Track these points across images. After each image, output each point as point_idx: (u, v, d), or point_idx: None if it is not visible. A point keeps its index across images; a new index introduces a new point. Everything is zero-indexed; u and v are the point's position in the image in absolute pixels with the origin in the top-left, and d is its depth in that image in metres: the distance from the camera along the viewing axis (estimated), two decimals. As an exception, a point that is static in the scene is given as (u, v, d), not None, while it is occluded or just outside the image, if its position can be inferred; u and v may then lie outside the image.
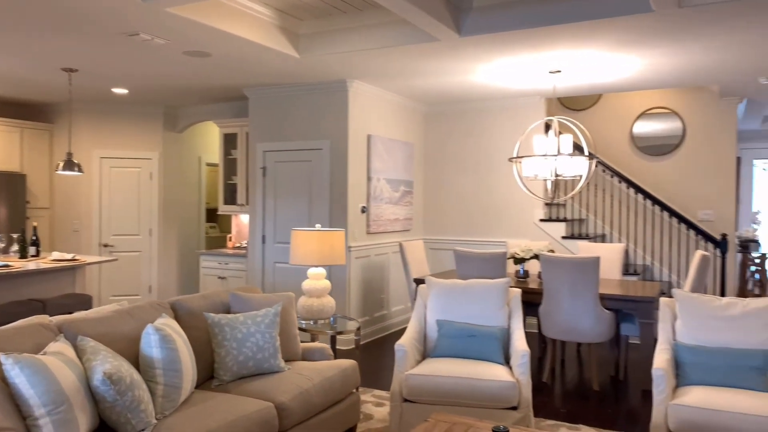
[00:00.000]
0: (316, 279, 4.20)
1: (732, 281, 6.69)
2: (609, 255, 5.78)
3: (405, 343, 3.57)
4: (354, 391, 3.52)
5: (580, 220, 7.15)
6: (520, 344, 3.55)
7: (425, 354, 3.86)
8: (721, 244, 6.05)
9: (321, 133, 6.05)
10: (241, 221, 7.51)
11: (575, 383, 4.86)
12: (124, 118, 7.46)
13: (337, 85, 5.91)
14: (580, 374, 5.12)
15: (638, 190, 6.64)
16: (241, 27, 4.29)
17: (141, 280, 7.53)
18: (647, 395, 4.55)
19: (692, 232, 6.68)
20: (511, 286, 4.70)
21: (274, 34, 4.63)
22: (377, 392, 4.51)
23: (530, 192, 5.64)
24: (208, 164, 8.36)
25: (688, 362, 3.25)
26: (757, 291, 8.12)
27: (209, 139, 8.33)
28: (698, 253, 4.84)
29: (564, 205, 7.21)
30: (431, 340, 3.89)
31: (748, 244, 7.85)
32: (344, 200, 5.91)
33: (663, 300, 3.60)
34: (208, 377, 3.19)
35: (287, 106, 6.25)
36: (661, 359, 3.21)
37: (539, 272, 5.57)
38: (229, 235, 7.56)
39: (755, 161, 9.87)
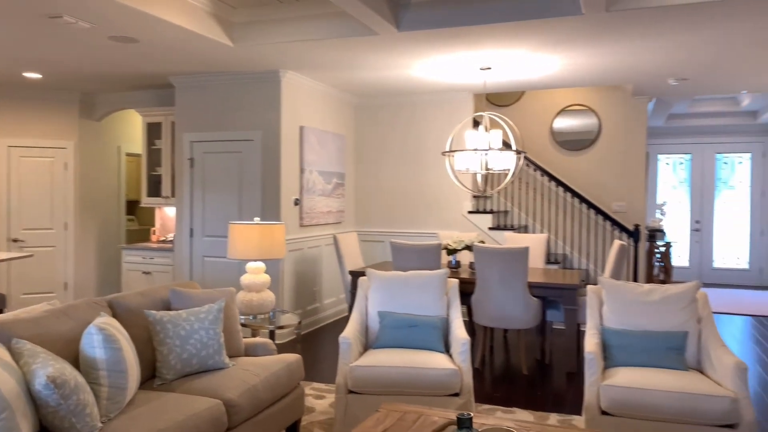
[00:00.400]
0: (256, 273, 4.15)
1: (642, 268, 7.19)
2: (533, 245, 6.05)
3: (349, 335, 3.60)
4: (298, 384, 3.52)
5: (505, 212, 7.44)
6: (460, 333, 3.67)
7: (367, 345, 3.91)
8: (634, 234, 6.48)
9: (252, 123, 5.94)
10: (166, 214, 7.25)
11: (505, 368, 5.08)
12: (36, 104, 6.98)
13: (269, 75, 5.81)
14: (508, 360, 5.35)
15: (558, 183, 6.98)
16: (173, 13, 4.14)
17: (55, 277, 7.11)
18: (571, 377, 4.83)
19: (608, 223, 7.11)
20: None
21: (207, 21, 4.49)
22: (316, 385, 4.53)
23: (462, 185, 5.80)
24: (129, 154, 7.99)
25: (615, 345, 3.49)
26: (662, 276, 8.77)
27: (130, 128, 7.95)
28: (616, 243, 5.17)
29: (490, 198, 7.47)
30: (373, 332, 3.94)
31: (654, 234, 8.45)
32: (277, 192, 5.84)
33: (590, 288, 3.83)
34: (149, 377, 3.09)
35: (217, 95, 6.08)
36: (591, 343, 3.43)
37: (471, 262, 5.76)
38: (152, 229, 7.28)
39: (659, 156, 10.61)
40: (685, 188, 10.49)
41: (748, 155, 10.13)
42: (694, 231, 10.37)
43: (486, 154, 5.47)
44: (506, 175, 7.09)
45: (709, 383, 3.08)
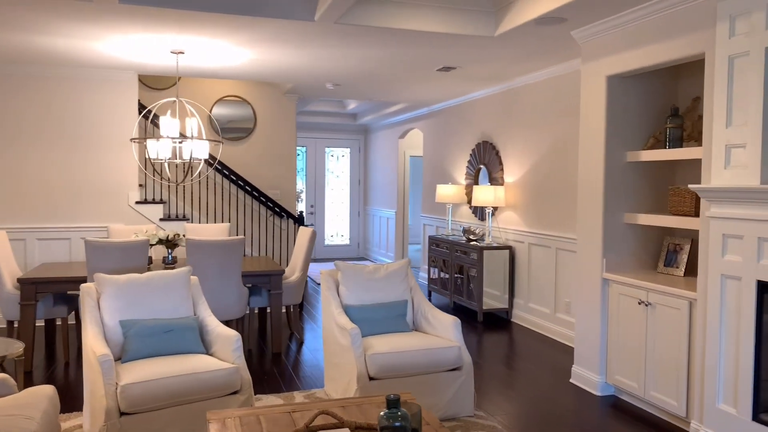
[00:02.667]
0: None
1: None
2: (217, 234, 6.08)
3: (107, 352, 3.12)
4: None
5: (162, 202, 7.14)
6: (223, 330, 3.60)
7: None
8: (300, 220, 7.16)
9: None
10: None
11: (215, 360, 5.05)
12: None
13: None
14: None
15: (218, 170, 7.10)
16: None
17: None
18: (278, 357, 5.16)
19: (266, 210, 7.59)
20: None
21: None
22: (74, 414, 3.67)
23: (152, 174, 5.40)
24: None
25: (358, 319, 4.00)
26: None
27: None
28: (307, 230, 5.70)
29: (143, 187, 7.04)
30: (116, 344, 3.48)
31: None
32: None
33: (325, 271, 4.25)
34: None
35: None
36: (342, 321, 3.84)
37: (164, 257, 5.44)
38: None
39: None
40: (302, 177, 11.84)
41: (348, 150, 12.09)
42: (310, 214, 11.83)
43: (181, 142, 5.24)
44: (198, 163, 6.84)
45: (437, 339, 3.89)
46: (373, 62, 5.59)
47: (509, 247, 6.56)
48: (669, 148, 4.04)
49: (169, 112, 5.32)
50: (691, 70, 4.20)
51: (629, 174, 4.29)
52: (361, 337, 3.78)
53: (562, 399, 4.20)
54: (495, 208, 6.91)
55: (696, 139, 4.04)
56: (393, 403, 2.03)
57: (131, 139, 5.15)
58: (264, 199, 7.28)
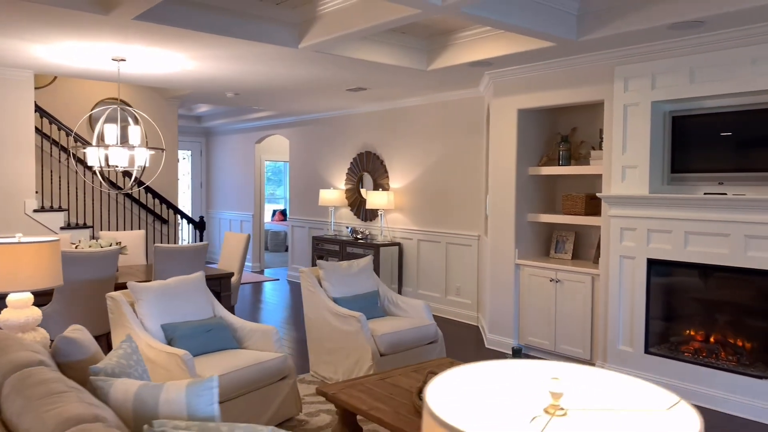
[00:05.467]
0: None
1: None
2: (135, 241, 6.05)
3: (186, 351, 3.38)
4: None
5: (62, 210, 6.68)
6: (255, 326, 3.99)
7: (162, 362, 3.62)
8: (200, 224, 7.27)
9: None
10: None
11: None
12: None
13: None
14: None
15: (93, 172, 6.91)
16: None
17: None
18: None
19: (144, 212, 7.51)
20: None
21: None
22: None
23: (102, 182, 5.24)
24: None
25: (346, 308, 4.65)
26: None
27: None
28: (242, 235, 6.03)
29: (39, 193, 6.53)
30: (161, 347, 3.67)
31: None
32: None
33: (304, 269, 4.80)
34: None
35: None
36: (343, 310, 4.47)
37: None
38: None
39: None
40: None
41: (189, 152, 11.97)
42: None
43: (126, 149, 5.22)
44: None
45: (415, 320, 4.74)
46: (294, 79, 6.15)
47: (398, 244, 7.60)
48: (561, 165, 5.46)
49: (101, 119, 5.23)
50: (569, 107, 5.68)
51: (530, 184, 5.63)
52: (362, 323, 4.46)
53: (486, 359, 5.36)
54: (384, 210, 7.89)
55: (576, 158, 5.53)
56: (516, 352, 2.91)
57: (73, 146, 4.99)
58: (168, 205, 7.23)
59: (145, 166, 5.38)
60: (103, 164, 5.14)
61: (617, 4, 4.10)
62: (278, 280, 9.46)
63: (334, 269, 4.84)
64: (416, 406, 2.90)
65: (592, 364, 5.06)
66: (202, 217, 7.46)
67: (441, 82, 6.21)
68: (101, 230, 6.65)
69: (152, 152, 5.39)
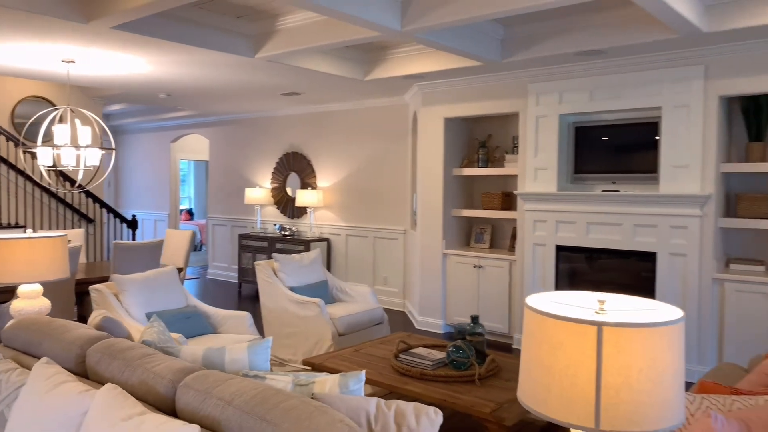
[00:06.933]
0: None
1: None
2: (78, 238, 6.11)
3: (178, 336, 3.73)
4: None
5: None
6: (229, 313, 4.38)
7: (149, 347, 3.93)
8: (132, 224, 7.35)
9: None
10: None
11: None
12: None
13: None
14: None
15: (20, 172, 6.85)
16: None
17: None
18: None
19: (69, 211, 7.47)
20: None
21: None
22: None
23: (40, 181, 5.29)
24: None
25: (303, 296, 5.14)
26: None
27: None
28: (187, 232, 6.27)
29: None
30: (147, 334, 3.97)
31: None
32: None
33: (261, 262, 5.23)
34: None
35: None
36: (302, 298, 4.96)
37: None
38: None
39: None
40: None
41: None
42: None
43: (78, 149, 5.34)
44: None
45: (364, 304, 5.32)
46: (236, 83, 6.50)
47: (326, 239, 8.12)
48: (480, 167, 6.27)
49: (57, 120, 5.32)
50: (485, 117, 6.51)
51: (454, 183, 6.40)
52: (318, 308, 4.97)
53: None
54: (313, 208, 8.36)
55: (492, 161, 6.37)
56: (474, 318, 3.59)
57: (24, 148, 5.05)
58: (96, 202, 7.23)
59: (98, 166, 5.52)
60: (50, 164, 5.23)
61: (535, 33, 4.93)
62: (198, 278, 9.61)
63: (288, 261, 5.30)
64: (395, 368, 3.49)
65: (510, 338, 5.91)
66: (134, 216, 7.53)
67: (371, 90, 6.82)
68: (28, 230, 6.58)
69: (104, 152, 5.52)
